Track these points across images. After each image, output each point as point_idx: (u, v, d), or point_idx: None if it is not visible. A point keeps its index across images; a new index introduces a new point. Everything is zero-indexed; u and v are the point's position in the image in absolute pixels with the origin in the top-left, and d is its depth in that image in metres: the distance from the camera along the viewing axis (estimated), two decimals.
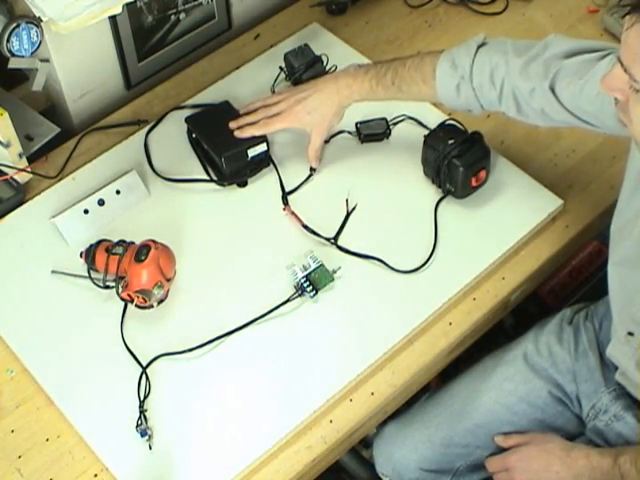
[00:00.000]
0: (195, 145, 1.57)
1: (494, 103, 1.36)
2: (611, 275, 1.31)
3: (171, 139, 1.59)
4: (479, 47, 1.35)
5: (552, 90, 1.28)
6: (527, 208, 1.48)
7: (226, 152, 1.49)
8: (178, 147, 1.58)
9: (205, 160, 1.55)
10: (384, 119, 1.56)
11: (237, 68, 1.70)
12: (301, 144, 1.56)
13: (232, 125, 1.51)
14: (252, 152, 1.50)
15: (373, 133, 1.55)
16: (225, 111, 1.58)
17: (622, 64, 1.01)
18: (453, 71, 1.36)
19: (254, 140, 1.50)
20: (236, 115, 1.55)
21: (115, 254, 1.35)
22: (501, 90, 1.33)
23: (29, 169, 1.52)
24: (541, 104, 1.31)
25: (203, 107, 1.62)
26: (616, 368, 1.37)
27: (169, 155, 1.57)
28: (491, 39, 1.37)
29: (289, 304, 1.36)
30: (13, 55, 1.38)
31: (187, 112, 1.61)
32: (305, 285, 1.37)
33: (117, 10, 1.40)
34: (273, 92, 1.64)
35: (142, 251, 1.32)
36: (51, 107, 1.65)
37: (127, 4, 1.44)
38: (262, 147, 1.50)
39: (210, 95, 1.64)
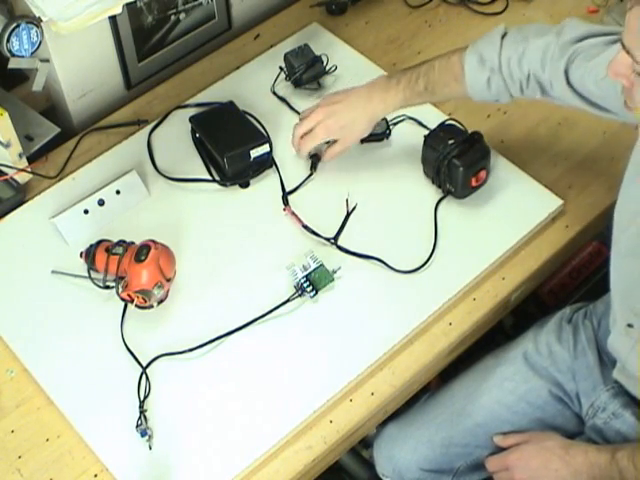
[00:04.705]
0: (198, 145, 1.57)
1: (522, 90, 1.37)
2: (613, 266, 1.30)
3: (174, 138, 1.59)
4: (502, 38, 1.36)
5: (566, 73, 1.29)
6: (527, 208, 1.47)
7: (229, 152, 1.48)
8: (181, 146, 1.58)
9: (208, 160, 1.55)
10: (384, 119, 1.55)
11: (237, 68, 1.70)
12: None
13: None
14: (255, 153, 1.49)
15: (373, 133, 1.54)
16: (229, 111, 1.58)
17: (624, 46, 1.01)
18: (482, 66, 1.36)
19: (257, 141, 1.50)
20: (241, 116, 1.55)
21: (115, 254, 1.35)
22: (528, 77, 1.34)
23: (29, 169, 1.52)
24: (559, 88, 1.32)
25: (207, 106, 1.62)
26: (614, 365, 1.37)
27: (172, 154, 1.57)
28: (511, 28, 1.38)
29: (289, 304, 1.36)
30: (13, 55, 1.38)
31: (190, 111, 1.61)
32: (305, 285, 1.37)
33: (117, 10, 1.40)
34: (273, 92, 1.64)
35: (142, 251, 1.32)
36: (51, 107, 1.65)
37: (127, 4, 1.44)
38: (265, 148, 1.50)
39: (210, 95, 1.64)
